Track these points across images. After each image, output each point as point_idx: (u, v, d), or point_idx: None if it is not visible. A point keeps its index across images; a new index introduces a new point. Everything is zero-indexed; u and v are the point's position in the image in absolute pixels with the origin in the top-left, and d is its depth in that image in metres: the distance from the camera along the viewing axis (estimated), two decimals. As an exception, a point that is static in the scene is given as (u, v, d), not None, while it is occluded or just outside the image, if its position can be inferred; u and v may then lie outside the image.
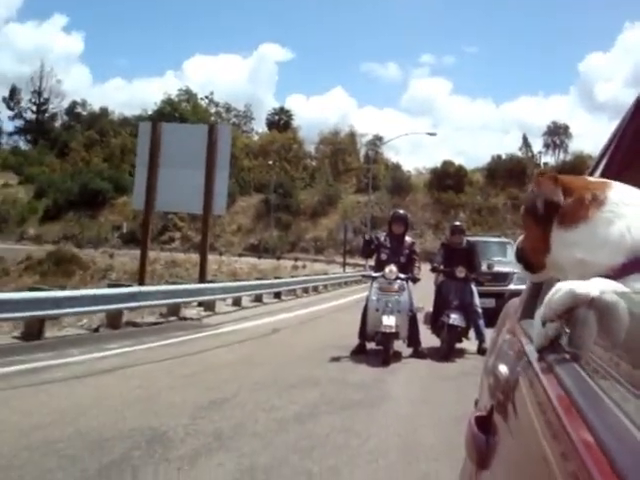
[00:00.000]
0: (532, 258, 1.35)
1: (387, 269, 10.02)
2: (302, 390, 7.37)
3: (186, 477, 4.36)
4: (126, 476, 4.31)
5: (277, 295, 22.44)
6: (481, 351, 10.12)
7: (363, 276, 11.52)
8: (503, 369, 1.56)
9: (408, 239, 10.66)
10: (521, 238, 1.41)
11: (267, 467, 4.61)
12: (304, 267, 51.03)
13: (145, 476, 4.33)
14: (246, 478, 4.38)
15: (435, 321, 10.76)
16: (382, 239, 10.57)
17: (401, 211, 11.43)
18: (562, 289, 1.08)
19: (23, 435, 5.12)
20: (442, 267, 10.87)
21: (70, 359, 8.81)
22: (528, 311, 1.96)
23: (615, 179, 1.29)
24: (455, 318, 10.31)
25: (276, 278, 25.64)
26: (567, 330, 1.22)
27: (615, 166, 1.65)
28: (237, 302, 18.33)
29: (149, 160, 17.74)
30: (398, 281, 10.02)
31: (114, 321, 12.40)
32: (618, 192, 1.20)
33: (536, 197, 1.28)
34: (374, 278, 10.34)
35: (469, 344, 10.94)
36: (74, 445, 4.89)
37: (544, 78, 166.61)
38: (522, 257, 1.39)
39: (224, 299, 17.65)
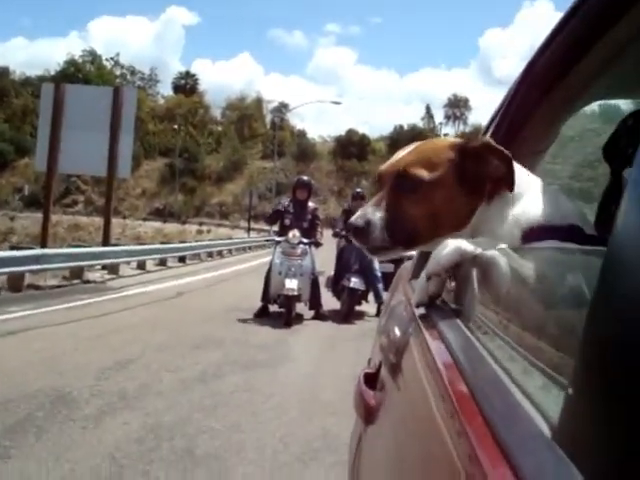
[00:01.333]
0: (423, 231, 1.28)
1: (290, 234, 10.21)
2: (206, 351, 7.40)
3: (91, 436, 4.34)
4: (30, 436, 4.27)
5: (182, 259, 22.26)
6: (379, 313, 10.26)
7: (267, 240, 10.97)
8: (393, 329, 1.59)
9: (311, 205, 10.84)
10: (380, 217, 1.30)
11: (171, 425, 4.65)
12: (209, 232, 50.79)
13: (50, 436, 4.30)
14: (151, 436, 4.39)
15: (336, 284, 10.94)
16: (286, 204, 10.76)
17: (305, 178, 11.57)
18: (449, 245, 1.13)
19: None
20: (344, 232, 10.72)
21: (-30, 322, 8.60)
22: (418, 272, 1.87)
23: (501, 142, 1.30)
24: (355, 282, 10.53)
25: (181, 242, 25.45)
26: (452, 289, 1.27)
27: (503, 129, 1.69)
28: (142, 266, 18.11)
29: (52, 121, 17.27)
30: (301, 246, 10.25)
31: (16, 284, 12.08)
32: (519, 173, 1.24)
33: (483, 164, 1.24)
34: (277, 242, 10.53)
35: (368, 307, 11.18)
36: (-24, 406, 4.82)
37: (446, 51, 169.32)
38: (405, 231, 1.29)
39: (128, 262, 17.38)
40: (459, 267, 1.14)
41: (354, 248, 10.55)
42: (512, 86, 1.77)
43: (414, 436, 0.97)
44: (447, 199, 1.25)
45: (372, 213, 1.30)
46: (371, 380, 1.55)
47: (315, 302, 10.55)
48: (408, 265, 2.49)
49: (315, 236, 10.49)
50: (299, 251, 10.25)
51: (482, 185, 1.25)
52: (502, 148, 1.24)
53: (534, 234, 1.16)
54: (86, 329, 8.61)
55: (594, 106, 1.98)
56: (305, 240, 10.29)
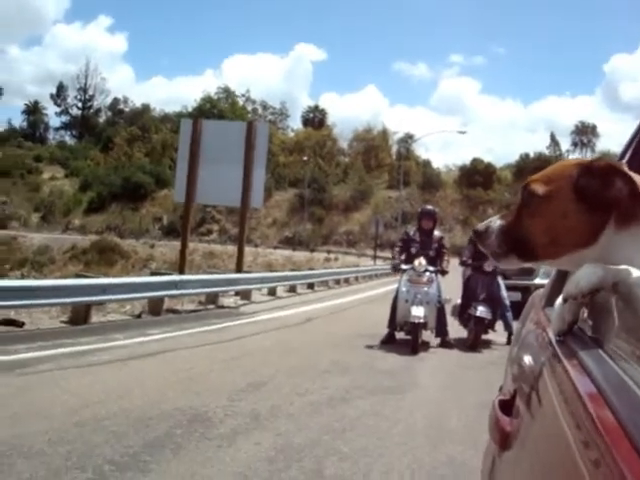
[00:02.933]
0: (549, 245, 1.24)
1: (416, 262, 10.07)
2: (334, 375, 7.45)
3: (225, 454, 4.45)
4: (168, 452, 4.42)
5: (310, 286, 22.53)
6: (510, 342, 10.00)
7: (393, 268, 10.83)
8: (527, 357, 1.58)
9: (437, 233, 10.71)
10: (502, 222, 1.35)
11: (301, 447, 4.70)
12: (336, 260, 51.13)
13: (186, 452, 4.44)
14: (281, 457, 4.46)
15: (463, 313, 10.78)
16: (412, 234, 10.69)
17: (430, 207, 11.49)
18: (589, 269, 1.08)
19: (73, 412, 5.26)
20: (470, 261, 10.80)
21: (114, 343, 8.96)
22: (552, 299, 1.82)
23: (637, 169, 1.22)
24: (482, 310, 10.34)
25: (310, 270, 25.75)
26: (588, 318, 1.24)
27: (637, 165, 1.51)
28: (272, 292, 18.44)
29: (190, 155, 17.93)
30: (427, 273, 10.08)
31: (155, 308, 12.56)
32: None
33: (605, 184, 1.17)
34: (404, 270, 10.34)
35: (496, 335, 10.93)
36: (120, 422, 5.02)
37: (570, 79, 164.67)
38: (525, 244, 1.28)
39: (260, 289, 17.79)
40: (596, 293, 1.08)
41: (481, 277, 10.58)
42: None
43: (552, 465, 0.94)
44: (561, 214, 1.21)
45: (494, 221, 1.37)
46: (506, 407, 1.52)
47: (441, 330, 10.30)
48: (540, 293, 2.45)
49: (441, 264, 10.34)
50: (425, 279, 10.07)
51: (605, 206, 1.17)
52: (628, 171, 1.16)
53: None
54: (221, 352, 8.84)
55: None
56: (431, 268, 10.14)
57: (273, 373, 7.40)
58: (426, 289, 10.00)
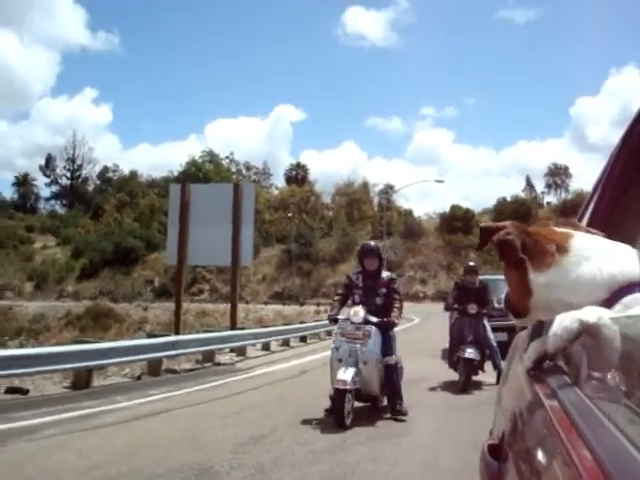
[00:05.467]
0: (517, 304, 1.36)
1: (352, 311, 8.26)
2: (331, 425, 7.52)
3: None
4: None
5: (303, 339, 22.54)
6: (497, 374, 10.12)
7: (329, 319, 8.74)
8: (511, 399, 1.62)
9: (385, 275, 8.69)
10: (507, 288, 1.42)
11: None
12: (326, 311, 51.04)
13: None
14: (287, 504, 4.58)
15: (452, 356, 10.79)
16: (354, 278, 8.62)
17: (372, 243, 9.61)
18: (567, 318, 1.12)
19: (83, 474, 5.36)
20: (455, 305, 10.90)
21: (117, 405, 9.05)
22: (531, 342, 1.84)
23: (605, 208, 1.41)
24: (470, 352, 10.34)
25: (301, 323, 25.83)
26: (562, 356, 1.29)
27: (606, 195, 1.72)
28: (266, 347, 18.50)
29: (180, 219, 18.14)
30: (365, 327, 8.09)
31: (154, 369, 12.62)
32: (580, 240, 1.29)
33: (505, 245, 1.32)
34: (336, 321, 8.49)
35: (485, 376, 10.93)
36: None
37: (539, 123, 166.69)
38: (509, 305, 1.40)
39: (254, 344, 17.83)
40: (580, 336, 1.12)
41: (467, 320, 10.62)
42: (611, 153, 1.79)
43: None
44: (506, 275, 1.38)
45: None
46: (495, 451, 1.50)
47: (393, 396, 8.30)
48: (523, 335, 2.38)
49: (390, 313, 8.30)
50: (361, 333, 8.06)
51: (517, 263, 1.32)
52: (511, 235, 1.31)
53: (624, 291, 1.17)
54: (220, 408, 8.92)
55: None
56: (373, 319, 8.14)
57: (273, 425, 7.49)
58: (359, 346, 7.96)
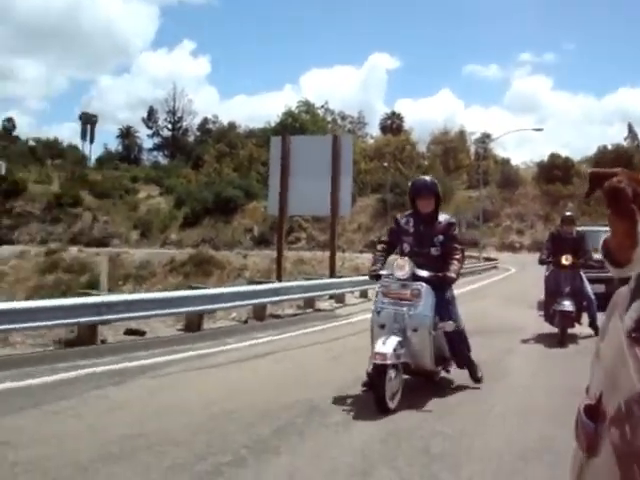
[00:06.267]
0: (620, 254, 1.33)
1: (396, 262, 6.52)
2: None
3: (342, 438, 4.95)
4: (294, 438, 4.94)
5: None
6: (593, 327, 10.10)
7: (370, 276, 6.93)
8: (610, 359, 1.61)
9: (443, 219, 6.85)
10: (608, 235, 1.40)
11: (406, 430, 5.18)
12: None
13: (310, 437, 4.95)
14: (391, 438, 4.94)
15: (547, 310, 10.54)
16: (403, 222, 6.85)
17: (427, 177, 7.14)
18: None
19: (205, 408, 5.84)
20: (550, 258, 10.58)
21: (227, 347, 9.56)
22: (637, 296, 1.87)
23: None
24: (567, 304, 10.05)
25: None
26: None
27: None
28: (364, 294, 18.78)
29: (280, 170, 18.55)
30: (414, 283, 6.39)
31: (259, 314, 13.16)
32: None
33: (616, 193, 1.28)
34: (378, 277, 6.70)
35: (581, 328, 10.70)
36: (248, 415, 5.57)
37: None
38: (608, 253, 1.38)
39: (352, 292, 18.20)
40: None
41: (562, 272, 10.30)
42: None
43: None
44: (611, 223, 1.35)
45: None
46: (592, 412, 1.45)
47: (461, 361, 6.92)
48: (623, 291, 2.33)
49: (448, 267, 6.55)
50: (409, 291, 6.38)
51: (629, 208, 1.29)
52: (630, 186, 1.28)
53: None
54: (324, 351, 9.32)
55: None
56: (423, 273, 6.43)
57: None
58: (406, 308, 6.28)
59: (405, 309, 6.25)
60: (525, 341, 10.31)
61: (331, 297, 17.04)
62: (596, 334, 9.61)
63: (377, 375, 5.83)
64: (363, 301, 18.03)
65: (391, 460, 4.40)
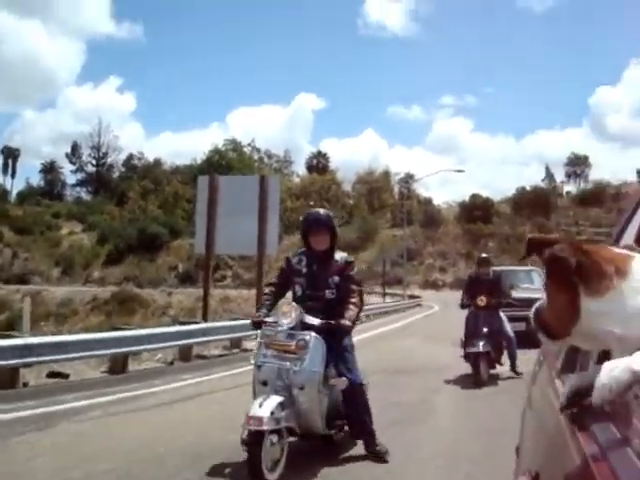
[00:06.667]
0: (556, 327, 1.22)
1: (284, 308, 5.66)
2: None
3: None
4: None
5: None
6: (513, 368, 10.29)
7: (253, 324, 5.90)
8: (544, 434, 1.51)
9: (339, 257, 5.92)
10: (542, 304, 1.28)
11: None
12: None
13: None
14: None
15: (466, 350, 10.40)
16: (295, 262, 5.97)
17: (321, 210, 6.32)
18: (617, 367, 1.03)
19: (133, 453, 5.77)
20: (466, 300, 10.61)
21: (153, 389, 9.45)
22: (566, 368, 1.82)
23: None
24: (480, 345, 10.00)
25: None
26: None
27: None
28: (291, 333, 18.81)
29: (208, 209, 18.52)
30: (301, 333, 5.47)
31: (185, 355, 13.04)
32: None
33: (557, 263, 1.18)
34: (260, 325, 5.73)
35: (503, 369, 10.77)
36: (178, 459, 5.52)
37: (558, 112, 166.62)
38: (544, 324, 1.26)
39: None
40: (631, 388, 1.02)
41: (481, 313, 10.30)
42: None
43: None
44: (550, 294, 1.25)
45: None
46: None
47: (359, 429, 5.86)
48: (552, 350, 2.22)
49: (343, 313, 5.57)
50: (294, 343, 5.45)
51: (570, 284, 1.17)
52: (571, 253, 1.18)
53: None
54: (249, 394, 9.27)
55: None
56: (314, 321, 5.54)
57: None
58: (289, 363, 5.34)
59: (289, 364, 5.29)
60: (449, 381, 10.30)
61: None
62: (515, 373, 10.17)
63: (252, 442, 4.91)
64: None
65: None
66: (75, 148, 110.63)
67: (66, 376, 10.36)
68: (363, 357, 13.72)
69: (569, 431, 1.17)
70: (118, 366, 11.02)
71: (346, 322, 5.48)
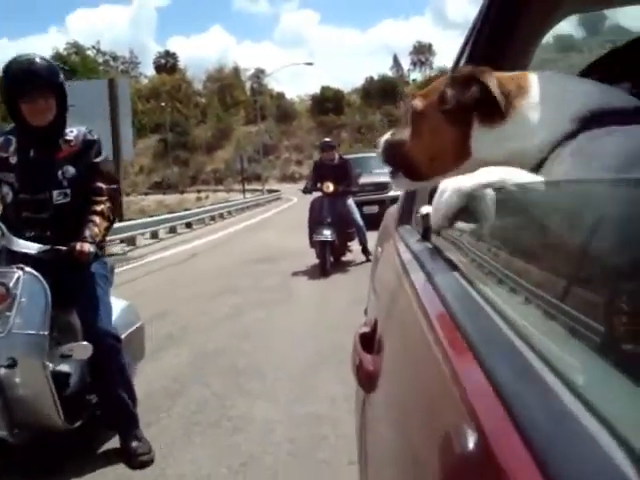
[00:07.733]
0: (427, 166, 1.11)
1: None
2: (226, 297, 8.27)
3: (148, 367, 5.21)
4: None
5: (188, 225, 22.72)
6: (365, 252, 10.16)
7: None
8: (382, 282, 1.55)
9: (74, 135, 3.54)
10: (394, 138, 1.19)
11: (213, 351, 5.61)
12: (207, 198, 51.27)
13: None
14: (199, 361, 5.34)
15: (311, 237, 10.07)
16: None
17: (36, 58, 3.35)
18: (447, 189, 0.96)
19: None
20: (310, 185, 10.41)
21: None
22: (403, 219, 1.85)
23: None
24: (326, 234, 9.65)
25: (185, 210, 26.14)
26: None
27: (479, 51, 1.55)
28: (155, 235, 18.70)
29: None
30: (4, 270, 3.11)
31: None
32: (536, 76, 1.05)
33: (462, 91, 1.05)
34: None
35: (354, 255, 10.80)
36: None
37: (403, 1, 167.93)
38: (408, 165, 1.15)
39: (143, 234, 18.03)
40: (461, 213, 0.95)
41: (326, 199, 10.05)
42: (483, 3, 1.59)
43: (416, 402, 0.79)
44: (433, 129, 1.12)
45: (388, 134, 1.23)
46: (368, 340, 1.31)
47: (112, 415, 3.44)
48: (393, 211, 2.27)
49: (83, 229, 3.24)
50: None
51: (466, 113, 1.06)
52: (485, 76, 1.04)
53: (593, 121, 0.92)
54: (117, 294, 9.39)
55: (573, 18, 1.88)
56: (27, 247, 3.00)
57: (173, 304, 8.03)
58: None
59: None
60: (308, 266, 10.34)
61: (122, 241, 16.86)
62: (368, 259, 9.76)
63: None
64: (155, 241, 18.04)
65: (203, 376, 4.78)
66: None
67: None
68: (226, 250, 14.24)
69: (404, 273, 1.16)
70: None
71: (86, 246, 3.28)
